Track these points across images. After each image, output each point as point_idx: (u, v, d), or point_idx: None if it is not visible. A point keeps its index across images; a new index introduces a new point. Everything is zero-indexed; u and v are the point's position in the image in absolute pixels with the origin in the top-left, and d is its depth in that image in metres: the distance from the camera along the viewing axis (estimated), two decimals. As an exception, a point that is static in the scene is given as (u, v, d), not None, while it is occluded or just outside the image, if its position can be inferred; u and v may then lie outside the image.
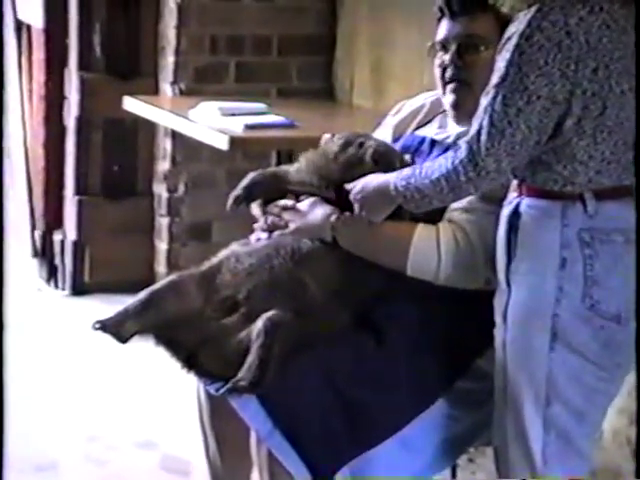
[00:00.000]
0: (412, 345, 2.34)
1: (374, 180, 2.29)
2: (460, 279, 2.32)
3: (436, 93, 2.58)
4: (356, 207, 2.32)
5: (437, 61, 2.47)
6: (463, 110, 2.43)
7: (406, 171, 2.23)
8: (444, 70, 2.45)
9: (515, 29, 2.10)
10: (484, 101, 2.12)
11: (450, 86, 2.44)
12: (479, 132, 2.10)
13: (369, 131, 2.63)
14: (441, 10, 2.44)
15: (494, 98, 2.10)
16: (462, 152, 2.12)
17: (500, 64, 2.11)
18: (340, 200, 2.38)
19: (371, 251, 2.36)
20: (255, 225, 2.47)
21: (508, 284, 2.18)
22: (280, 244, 2.35)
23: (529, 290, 2.16)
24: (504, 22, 2.26)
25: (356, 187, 2.31)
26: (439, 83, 2.48)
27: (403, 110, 2.63)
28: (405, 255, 2.33)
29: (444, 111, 2.52)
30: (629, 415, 2.91)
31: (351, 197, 2.32)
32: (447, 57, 2.43)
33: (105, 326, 2.30)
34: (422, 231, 2.34)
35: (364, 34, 4.17)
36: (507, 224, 2.19)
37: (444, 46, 2.44)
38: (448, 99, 2.46)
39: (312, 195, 2.41)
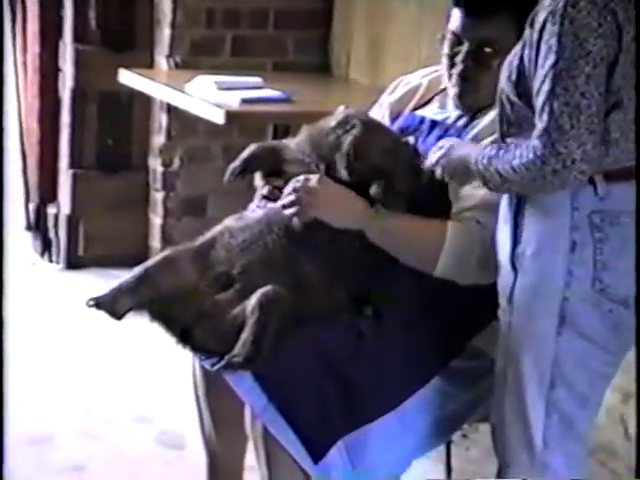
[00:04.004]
0: (409, 323, 2.35)
1: (459, 148, 2.21)
2: (484, 278, 2.30)
3: (434, 70, 2.57)
4: (438, 170, 2.23)
5: (446, 49, 2.44)
6: (465, 101, 2.43)
7: (490, 148, 2.14)
8: (452, 61, 2.43)
9: (550, 5, 2.03)
10: (544, 87, 2.03)
11: (456, 79, 2.43)
12: (552, 119, 2.01)
13: (365, 106, 2.63)
14: (457, 1, 2.40)
15: (557, 76, 2.01)
16: (538, 148, 2.03)
17: (550, 41, 2.02)
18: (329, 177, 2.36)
19: (400, 249, 2.33)
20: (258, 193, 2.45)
21: (513, 267, 2.16)
22: (273, 220, 2.35)
23: (537, 273, 2.14)
24: (518, 22, 2.22)
25: (440, 150, 2.23)
26: (445, 71, 2.46)
27: (399, 89, 2.61)
28: (435, 258, 2.31)
29: (443, 90, 2.52)
30: (623, 392, 2.92)
31: (433, 159, 2.24)
32: (459, 54, 2.40)
33: (99, 303, 2.31)
34: (453, 238, 2.31)
35: (361, 9, 4.16)
36: (514, 206, 2.16)
37: (457, 37, 2.41)
38: (453, 90, 2.45)
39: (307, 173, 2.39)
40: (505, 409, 2.21)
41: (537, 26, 2.07)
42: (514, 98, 2.12)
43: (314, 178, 2.33)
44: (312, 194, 2.31)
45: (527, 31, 2.10)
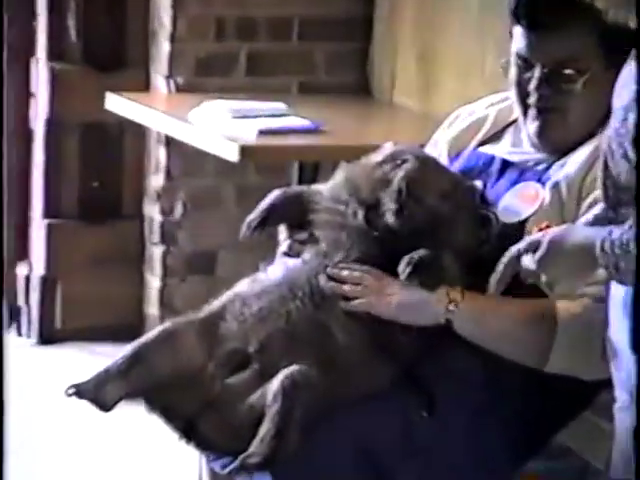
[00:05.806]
0: (473, 413, 2.35)
1: (574, 233, 2.15)
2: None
3: (503, 97, 2.58)
4: (543, 278, 2.18)
5: (514, 76, 2.45)
6: (550, 139, 2.43)
7: (619, 232, 2.05)
8: (526, 91, 2.43)
9: None
10: None
11: (533, 113, 2.43)
12: None
13: (415, 138, 2.65)
14: (517, 17, 2.40)
15: None
16: None
17: None
18: (370, 226, 2.37)
19: (496, 341, 2.33)
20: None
21: (636, 353, 2.13)
22: (295, 282, 2.37)
23: None
24: (597, 31, 2.24)
25: (535, 250, 2.15)
26: (518, 104, 2.46)
27: (458, 122, 2.61)
28: (544, 349, 2.31)
29: (514, 122, 2.52)
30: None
31: (531, 263, 2.16)
32: (532, 81, 2.40)
33: (81, 391, 2.33)
34: (568, 322, 2.31)
35: (409, 15, 4.19)
36: None
37: (525, 60, 2.42)
38: (531, 126, 2.45)
39: (336, 226, 2.40)
40: None
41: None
42: (632, 154, 2.06)
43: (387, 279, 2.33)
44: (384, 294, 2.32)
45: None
